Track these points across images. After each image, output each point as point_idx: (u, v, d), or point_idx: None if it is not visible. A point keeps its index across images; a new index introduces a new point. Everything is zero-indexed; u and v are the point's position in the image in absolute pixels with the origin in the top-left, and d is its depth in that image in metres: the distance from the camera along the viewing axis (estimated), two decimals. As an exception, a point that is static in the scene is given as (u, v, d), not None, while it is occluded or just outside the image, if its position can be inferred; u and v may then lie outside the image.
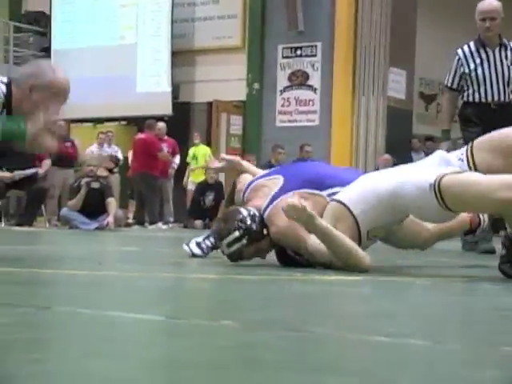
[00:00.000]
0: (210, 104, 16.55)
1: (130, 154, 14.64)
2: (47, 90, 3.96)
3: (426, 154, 15.62)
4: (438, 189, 3.56)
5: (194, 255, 4.63)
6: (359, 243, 3.88)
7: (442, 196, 3.55)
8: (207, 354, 1.59)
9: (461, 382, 1.42)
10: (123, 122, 17.78)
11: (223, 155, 4.91)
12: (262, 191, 4.32)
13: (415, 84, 16.58)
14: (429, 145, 15.92)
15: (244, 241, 4.14)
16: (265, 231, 4.18)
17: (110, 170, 14.20)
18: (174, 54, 16.78)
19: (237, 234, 4.14)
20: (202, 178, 14.65)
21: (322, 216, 3.95)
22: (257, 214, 4.19)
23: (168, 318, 2.10)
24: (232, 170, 4.79)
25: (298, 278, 3.56)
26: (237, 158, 4.86)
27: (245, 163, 4.79)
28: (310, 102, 15.66)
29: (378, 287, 3.31)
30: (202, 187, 14.35)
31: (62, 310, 2.22)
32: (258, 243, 4.18)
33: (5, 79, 3.99)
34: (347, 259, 3.81)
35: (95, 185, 11.06)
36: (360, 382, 1.37)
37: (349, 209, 3.88)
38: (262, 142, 15.84)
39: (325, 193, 4.12)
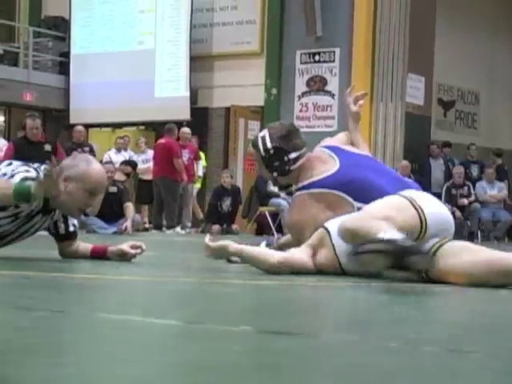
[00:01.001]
0: (227, 109, 16.57)
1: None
2: (80, 180, 4.11)
3: (444, 161, 15.60)
4: None
5: None
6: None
7: None
8: (225, 358, 1.59)
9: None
10: (141, 127, 17.83)
11: None
12: (317, 166, 4.31)
13: (434, 90, 16.53)
14: (446, 151, 15.87)
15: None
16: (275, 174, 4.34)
17: (128, 175, 14.24)
18: (193, 60, 16.82)
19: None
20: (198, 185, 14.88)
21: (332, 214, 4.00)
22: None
23: (186, 323, 2.10)
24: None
25: (314, 283, 3.56)
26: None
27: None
28: (328, 108, 15.65)
29: (394, 293, 3.30)
30: (219, 192, 14.36)
31: (80, 313, 2.22)
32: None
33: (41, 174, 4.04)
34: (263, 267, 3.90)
35: (113, 189, 11.09)
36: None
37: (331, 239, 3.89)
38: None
39: (356, 204, 4.12)
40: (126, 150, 15.28)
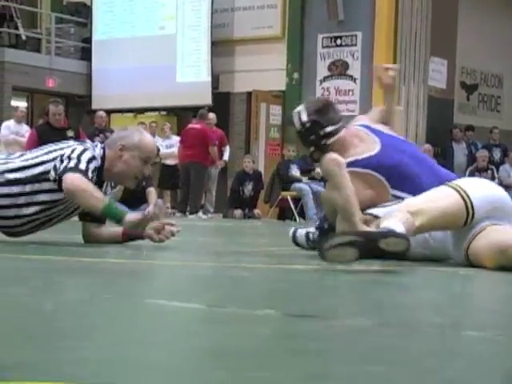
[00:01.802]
0: (249, 94, 16.54)
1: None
2: (136, 149, 4.34)
3: (467, 144, 15.51)
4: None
5: (295, 243, 4.59)
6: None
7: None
8: (250, 342, 1.59)
9: (509, 373, 1.39)
10: (163, 112, 17.84)
11: None
12: (356, 143, 4.27)
13: (456, 73, 16.42)
14: (469, 135, 15.77)
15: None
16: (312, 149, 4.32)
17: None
18: (214, 44, 16.79)
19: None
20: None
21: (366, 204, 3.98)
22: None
23: (210, 307, 2.10)
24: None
25: (339, 268, 3.54)
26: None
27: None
28: (350, 92, 15.58)
29: (419, 277, 3.28)
30: (241, 176, 14.34)
31: (105, 297, 2.22)
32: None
33: (100, 145, 4.43)
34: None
35: (135, 175, 11.09)
36: (404, 372, 1.35)
37: None
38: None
39: (391, 191, 4.09)
40: (154, 135, 15.34)
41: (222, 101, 16.56)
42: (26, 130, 13.23)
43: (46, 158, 4.25)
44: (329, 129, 4.28)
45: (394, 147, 4.27)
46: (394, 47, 15.11)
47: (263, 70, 16.27)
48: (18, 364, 1.31)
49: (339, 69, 15.72)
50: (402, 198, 3.98)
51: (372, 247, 3.23)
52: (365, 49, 15.32)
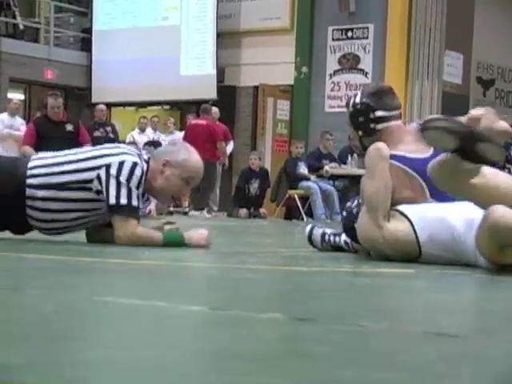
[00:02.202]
0: (256, 88, 16.56)
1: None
2: (179, 167, 4.35)
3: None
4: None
5: (310, 241, 4.60)
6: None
7: None
8: (254, 345, 1.60)
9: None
10: (166, 107, 17.87)
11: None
12: (408, 141, 4.20)
13: (472, 68, 16.41)
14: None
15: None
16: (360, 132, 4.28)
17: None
18: (220, 36, 16.81)
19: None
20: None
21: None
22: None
23: (212, 309, 2.11)
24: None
25: (348, 269, 3.56)
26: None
27: None
28: (361, 87, 15.60)
29: (433, 280, 3.29)
30: (246, 174, 14.36)
31: (106, 299, 2.24)
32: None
33: (146, 156, 4.47)
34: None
35: (137, 171, 11.12)
36: (412, 377, 1.36)
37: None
38: (310, 127, 15.81)
39: (430, 200, 4.06)
40: (155, 130, 15.36)
41: (227, 95, 16.58)
42: (20, 123, 13.22)
43: (90, 164, 4.26)
44: (379, 113, 4.24)
45: None
46: (407, 40, 15.11)
47: (271, 64, 16.29)
48: (17, 366, 1.33)
49: (350, 62, 15.73)
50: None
51: (470, 146, 3.25)
52: (377, 42, 15.32)
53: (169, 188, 4.37)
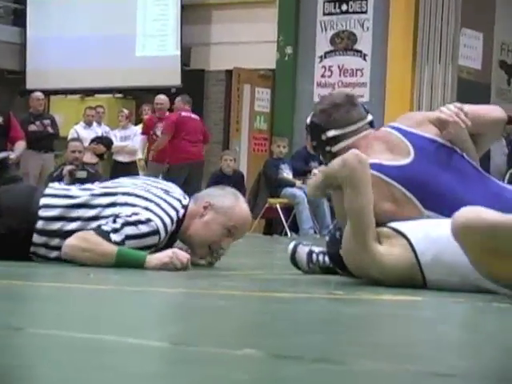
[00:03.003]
0: (229, 73, 16.58)
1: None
2: (223, 213, 4.56)
3: (508, 141, 15.55)
4: None
5: (294, 262, 4.64)
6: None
7: None
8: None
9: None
10: (118, 95, 17.84)
11: None
12: (379, 150, 4.27)
13: (494, 50, 16.50)
14: (509, 129, 15.84)
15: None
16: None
17: (101, 156, 14.25)
18: (185, 9, 16.82)
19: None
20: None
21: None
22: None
23: (174, 344, 2.12)
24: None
25: (340, 296, 3.57)
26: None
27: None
28: (359, 72, 15.65)
29: (444, 310, 3.32)
30: (217, 178, 14.31)
31: (43, 332, 2.25)
32: None
33: (186, 200, 4.72)
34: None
35: (81, 174, 11.12)
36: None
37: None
38: (296, 122, 15.84)
39: (427, 212, 4.12)
40: (99, 124, 15.34)
41: (193, 81, 16.58)
42: None
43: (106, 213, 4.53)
44: (331, 133, 4.31)
45: (430, 157, 4.26)
46: (415, 15, 15.17)
47: (247, 43, 16.31)
48: None
49: (345, 42, 15.79)
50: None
51: None
52: (377, 17, 15.39)
53: (206, 234, 4.55)
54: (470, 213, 3.40)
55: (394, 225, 4.00)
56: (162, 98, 14.52)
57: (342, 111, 4.35)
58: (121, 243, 4.36)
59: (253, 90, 16.49)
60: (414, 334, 2.64)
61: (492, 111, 4.49)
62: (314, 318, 2.89)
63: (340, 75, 15.70)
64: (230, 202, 4.65)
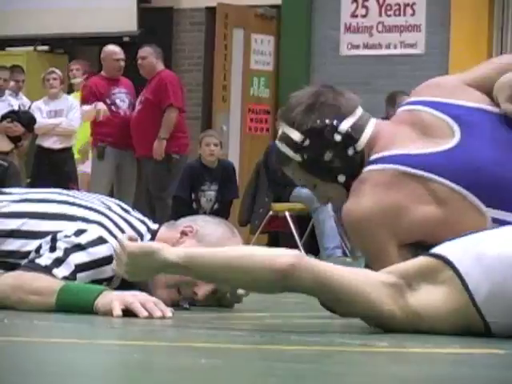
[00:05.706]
0: (210, 11, 16.62)
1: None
2: (207, 244, 4.77)
3: None
4: None
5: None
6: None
7: None
8: None
9: None
10: (43, 47, 17.91)
11: None
12: (407, 134, 4.43)
13: None
14: None
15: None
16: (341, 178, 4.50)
17: (16, 142, 14.25)
18: None
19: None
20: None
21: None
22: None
23: None
24: None
25: (383, 349, 3.58)
26: None
27: None
28: (409, 10, 15.68)
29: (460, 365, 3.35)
30: (194, 172, 14.33)
31: None
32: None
33: (154, 225, 5.09)
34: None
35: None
36: None
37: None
38: (312, 85, 15.85)
39: (490, 211, 4.21)
40: (17, 92, 15.39)
41: (158, 25, 16.61)
42: None
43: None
44: (345, 124, 4.52)
45: (484, 133, 4.38)
46: None
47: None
48: None
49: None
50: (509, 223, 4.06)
51: None
52: None
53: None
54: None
55: (436, 250, 4.03)
56: (118, 50, 14.49)
57: (332, 96, 4.61)
58: (70, 277, 4.58)
59: (247, 38, 16.49)
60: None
61: None
62: (329, 380, 2.88)
63: (381, 14, 15.72)
64: (221, 233, 4.96)
